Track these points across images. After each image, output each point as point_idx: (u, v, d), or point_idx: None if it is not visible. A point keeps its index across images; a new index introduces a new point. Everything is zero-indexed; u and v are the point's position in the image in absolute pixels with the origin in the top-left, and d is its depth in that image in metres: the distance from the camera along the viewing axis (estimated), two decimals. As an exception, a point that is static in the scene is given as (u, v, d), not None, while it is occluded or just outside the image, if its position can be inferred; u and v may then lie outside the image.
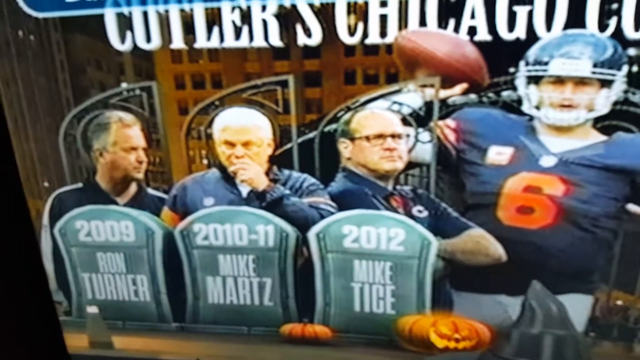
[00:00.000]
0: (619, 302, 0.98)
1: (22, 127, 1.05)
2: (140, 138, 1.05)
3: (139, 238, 1.08)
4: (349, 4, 0.86)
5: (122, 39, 0.94)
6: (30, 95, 1.02)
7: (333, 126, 0.99)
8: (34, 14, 0.94)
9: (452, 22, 0.84)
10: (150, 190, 1.09)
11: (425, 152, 0.97)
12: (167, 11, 0.91)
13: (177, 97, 1.03)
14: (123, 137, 1.04)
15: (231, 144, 1.01)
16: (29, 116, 1.04)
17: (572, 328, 0.97)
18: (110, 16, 0.92)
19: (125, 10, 0.92)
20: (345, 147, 1.00)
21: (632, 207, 0.92)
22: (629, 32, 0.81)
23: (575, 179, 0.92)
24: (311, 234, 1.01)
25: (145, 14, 0.92)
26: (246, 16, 0.89)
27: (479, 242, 0.97)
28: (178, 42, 0.93)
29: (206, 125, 1.01)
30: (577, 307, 0.98)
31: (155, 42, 0.94)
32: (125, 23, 0.93)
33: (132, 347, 1.14)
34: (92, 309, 1.15)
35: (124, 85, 1.02)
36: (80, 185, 1.10)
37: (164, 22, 0.92)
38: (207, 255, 1.07)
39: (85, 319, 1.16)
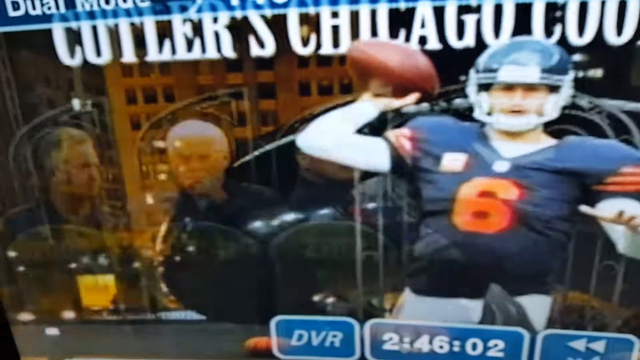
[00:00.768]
0: (575, 302, 1.01)
1: (-32, 147, 1.01)
2: (93, 155, 1.02)
3: (96, 257, 1.06)
4: (301, 15, 0.86)
5: (72, 54, 0.91)
6: (-24, 114, 0.99)
7: (290, 137, 0.99)
8: (-25, 29, 0.91)
9: (402, 32, 0.85)
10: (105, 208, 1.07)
11: (382, 161, 0.98)
12: (116, 25, 0.89)
13: (128, 111, 1.00)
14: (75, 155, 1.02)
15: (186, 158, 0.99)
16: (-25, 136, 1.01)
17: (532, 329, 1.00)
18: (58, 31, 0.90)
19: (73, 24, 0.89)
20: (303, 159, 1.00)
21: (584, 208, 0.94)
22: (574, 38, 0.83)
23: (528, 183, 0.93)
24: (272, 246, 1.00)
25: (94, 28, 0.89)
26: (198, 28, 0.88)
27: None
28: (129, 55, 0.91)
29: (159, 139, 1.00)
30: (536, 307, 1.00)
31: (106, 57, 0.91)
32: (74, 37, 0.90)
33: (94, 369, 1.11)
34: (52, 331, 1.11)
35: (74, 101, 0.99)
36: (32, 205, 1.06)
37: (114, 35, 0.90)
38: (165, 273, 1.05)
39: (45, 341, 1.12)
